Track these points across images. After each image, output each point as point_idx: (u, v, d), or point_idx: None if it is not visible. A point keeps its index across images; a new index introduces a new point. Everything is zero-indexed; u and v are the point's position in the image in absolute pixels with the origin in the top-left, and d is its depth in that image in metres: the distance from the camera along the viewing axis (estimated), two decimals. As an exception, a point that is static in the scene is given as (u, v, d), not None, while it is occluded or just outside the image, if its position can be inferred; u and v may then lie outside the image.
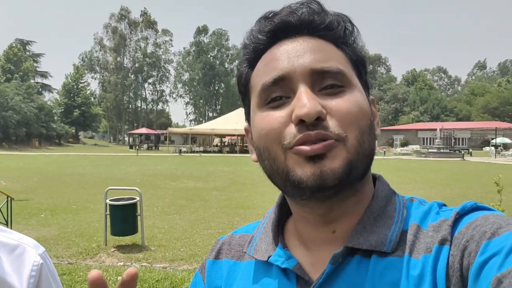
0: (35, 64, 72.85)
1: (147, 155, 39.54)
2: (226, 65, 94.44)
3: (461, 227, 0.58)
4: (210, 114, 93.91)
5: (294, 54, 0.62)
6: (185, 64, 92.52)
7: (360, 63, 0.67)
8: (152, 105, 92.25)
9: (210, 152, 46.89)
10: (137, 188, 7.12)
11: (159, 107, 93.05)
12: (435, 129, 46.63)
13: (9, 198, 8.61)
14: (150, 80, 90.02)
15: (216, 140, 55.89)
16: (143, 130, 61.03)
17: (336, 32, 0.65)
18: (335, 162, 0.58)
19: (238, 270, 0.72)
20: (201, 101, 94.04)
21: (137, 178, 17.55)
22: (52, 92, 77.65)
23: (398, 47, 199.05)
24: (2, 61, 64.18)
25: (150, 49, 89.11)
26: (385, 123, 78.22)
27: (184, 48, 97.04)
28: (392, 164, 27.78)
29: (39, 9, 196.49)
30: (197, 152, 44.38)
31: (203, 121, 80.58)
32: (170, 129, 52.72)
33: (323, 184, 0.57)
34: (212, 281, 0.75)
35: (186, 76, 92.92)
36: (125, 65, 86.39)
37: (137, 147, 52.95)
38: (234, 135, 49.91)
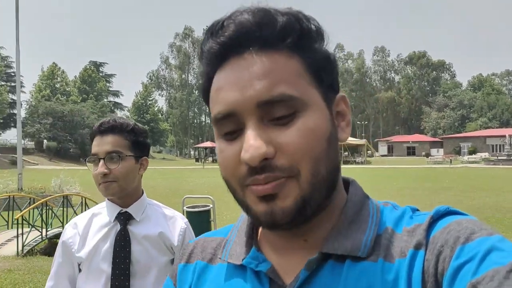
0: (107, 84, 77.35)
1: (213, 168, 41.04)
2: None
3: (435, 231, 0.58)
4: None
5: (240, 84, 0.58)
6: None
7: (322, 65, 0.63)
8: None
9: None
10: (210, 196, 8.00)
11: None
12: (505, 136, 44.85)
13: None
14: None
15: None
16: (208, 144, 62.91)
17: (288, 40, 0.60)
18: (286, 201, 0.57)
19: (209, 273, 0.72)
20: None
21: (205, 189, 18.62)
22: (124, 110, 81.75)
23: (462, 52, 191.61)
24: (78, 83, 68.94)
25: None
26: (451, 130, 75.62)
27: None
28: (457, 173, 27.24)
29: (110, 33, 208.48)
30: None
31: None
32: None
33: (275, 222, 0.58)
34: (183, 285, 0.74)
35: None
36: (189, 81, 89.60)
37: (202, 160, 54.85)
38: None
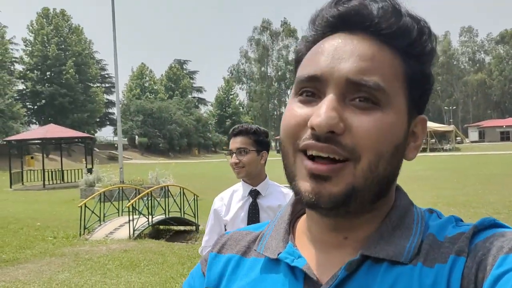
0: (191, 81, 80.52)
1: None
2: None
3: (478, 240, 0.57)
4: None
5: (338, 55, 0.58)
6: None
7: (418, 81, 0.62)
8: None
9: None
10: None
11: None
12: None
13: (196, 196, 10.84)
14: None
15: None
16: (289, 135, 63.52)
17: (400, 41, 0.59)
18: (336, 187, 0.56)
19: (243, 265, 0.71)
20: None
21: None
22: (207, 105, 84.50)
23: None
24: (164, 80, 72.61)
25: (291, 56, 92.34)
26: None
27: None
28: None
29: (192, 31, 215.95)
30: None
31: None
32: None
33: (317, 204, 0.57)
34: (212, 274, 0.74)
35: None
36: (269, 74, 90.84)
37: (284, 151, 55.56)
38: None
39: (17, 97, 45.42)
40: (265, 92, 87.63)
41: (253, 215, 2.49)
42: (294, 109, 0.60)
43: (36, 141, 28.40)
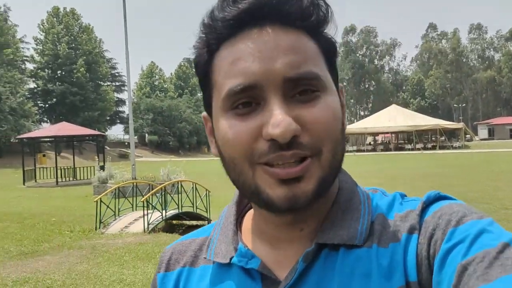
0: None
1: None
2: (376, 62, 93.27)
3: (427, 216, 0.58)
4: (362, 113, 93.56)
5: (264, 55, 0.54)
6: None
7: (331, 50, 0.61)
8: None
9: (364, 151, 47.44)
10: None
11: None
12: None
13: (207, 191, 11.06)
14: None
15: (369, 139, 56.02)
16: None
17: (311, 20, 0.57)
18: (309, 184, 0.55)
19: (194, 276, 0.68)
20: (352, 100, 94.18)
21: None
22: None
23: None
24: (174, 79, 73.00)
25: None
26: None
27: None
28: None
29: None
30: (351, 151, 45.31)
31: (355, 120, 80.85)
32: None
33: (294, 206, 0.56)
34: None
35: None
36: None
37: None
38: (387, 132, 49.65)
39: (29, 96, 45.96)
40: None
41: None
42: (235, 125, 0.56)
43: (49, 139, 28.75)
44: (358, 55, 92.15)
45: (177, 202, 10.70)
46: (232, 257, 0.63)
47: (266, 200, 0.57)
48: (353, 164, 25.70)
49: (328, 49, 0.61)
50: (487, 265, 0.47)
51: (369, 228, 0.60)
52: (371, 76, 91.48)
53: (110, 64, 60.11)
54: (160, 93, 65.73)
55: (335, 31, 0.61)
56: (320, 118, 0.55)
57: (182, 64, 75.72)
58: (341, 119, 0.60)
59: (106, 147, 30.02)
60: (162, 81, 70.88)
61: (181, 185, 11.62)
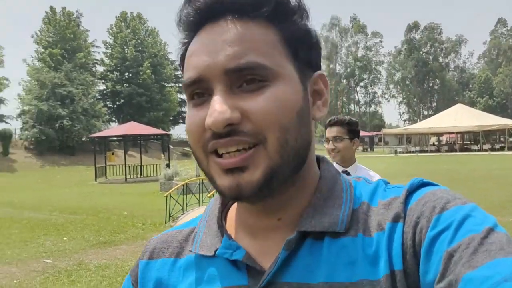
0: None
1: (363, 157, 41.27)
2: (441, 60, 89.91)
3: (411, 204, 0.58)
4: (425, 112, 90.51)
5: (209, 50, 0.57)
6: (396, 64, 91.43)
7: (299, 39, 0.61)
8: (365, 107, 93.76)
9: (427, 151, 46.06)
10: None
11: (372, 109, 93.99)
12: None
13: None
14: (362, 83, 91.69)
15: (433, 139, 54.27)
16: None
17: (264, 9, 0.58)
18: (255, 174, 0.56)
19: (179, 268, 0.68)
20: (415, 99, 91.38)
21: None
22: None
23: None
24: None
25: (360, 53, 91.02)
26: None
27: (395, 47, 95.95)
28: None
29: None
30: (413, 152, 44.18)
31: (418, 120, 78.38)
32: (384, 130, 53.54)
33: (240, 195, 0.57)
34: (146, 283, 0.70)
35: (398, 75, 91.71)
36: (337, 71, 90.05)
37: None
38: (452, 132, 47.87)
39: (99, 97, 48.40)
40: (333, 89, 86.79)
41: None
42: (191, 115, 0.60)
43: (118, 138, 30.26)
44: (421, 52, 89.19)
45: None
46: (217, 249, 0.64)
47: (217, 189, 0.59)
48: (415, 164, 25.18)
49: (291, 37, 0.60)
50: (473, 251, 0.48)
51: (352, 215, 0.61)
52: (435, 74, 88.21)
53: (174, 65, 62.01)
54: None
55: (305, 18, 0.62)
56: (264, 107, 0.56)
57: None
58: (297, 107, 0.59)
59: (170, 145, 31.16)
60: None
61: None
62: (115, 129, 33.73)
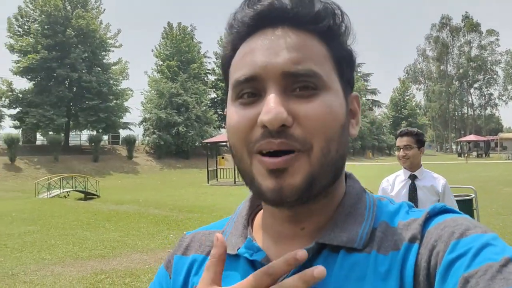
0: (365, 83, 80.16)
1: (477, 163, 38.98)
2: None
3: (430, 227, 0.58)
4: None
5: (269, 51, 0.58)
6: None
7: (344, 59, 0.64)
8: (479, 110, 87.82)
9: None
10: (472, 187, 8.75)
11: (487, 112, 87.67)
12: None
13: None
14: (476, 85, 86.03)
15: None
16: (471, 137, 59.07)
17: (321, 25, 0.60)
18: (296, 178, 0.56)
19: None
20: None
21: (467, 183, 18.60)
22: (381, 107, 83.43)
23: None
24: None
25: (474, 52, 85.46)
26: None
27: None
28: None
29: (365, 32, 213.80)
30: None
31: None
32: (501, 134, 49.98)
33: (282, 199, 0.57)
34: (178, 277, 0.73)
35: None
36: (448, 72, 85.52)
37: (465, 155, 52.11)
38: None
39: (210, 105, 51.11)
40: (444, 91, 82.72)
41: (412, 192, 3.63)
42: (238, 113, 0.60)
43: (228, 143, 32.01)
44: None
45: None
46: (239, 248, 0.66)
47: (258, 190, 0.59)
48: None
49: (339, 56, 0.63)
50: (490, 278, 0.47)
51: (371, 233, 0.61)
52: None
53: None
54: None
55: (352, 41, 0.65)
56: (314, 114, 0.57)
57: (347, 69, 75.99)
58: (341, 119, 0.60)
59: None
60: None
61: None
62: (225, 135, 35.37)
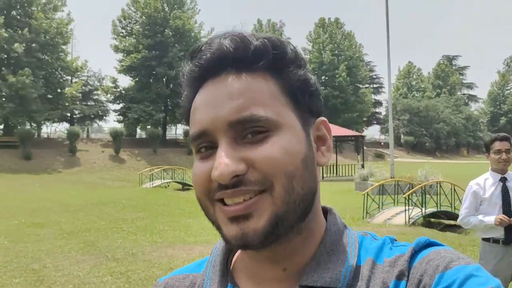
0: (461, 77, 76.37)
1: None
2: None
3: (415, 262, 0.58)
4: None
5: (212, 104, 0.59)
6: None
7: (299, 89, 0.62)
8: None
9: None
10: None
11: None
12: None
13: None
14: None
15: None
16: None
17: (263, 62, 0.60)
18: (260, 222, 0.56)
19: None
20: None
21: None
22: (478, 102, 78.97)
23: None
24: (432, 78, 71.00)
25: None
26: None
27: None
28: None
29: (462, 25, 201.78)
30: None
31: None
32: None
33: (245, 244, 0.57)
34: None
35: None
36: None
37: None
38: None
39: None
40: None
41: (505, 194, 3.90)
42: (198, 167, 0.61)
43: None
44: None
45: (435, 201, 11.57)
46: None
47: (224, 237, 0.59)
48: None
49: (291, 87, 0.62)
50: None
51: (355, 271, 0.60)
52: None
53: (368, 67, 62.55)
54: (417, 93, 65.05)
55: (303, 67, 0.64)
56: (268, 155, 0.56)
57: (441, 62, 72.95)
58: (301, 155, 0.60)
59: (364, 147, 32.05)
60: (419, 80, 69.77)
61: (440, 186, 12.39)
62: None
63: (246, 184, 0.56)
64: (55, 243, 8.79)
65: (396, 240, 0.66)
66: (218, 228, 0.60)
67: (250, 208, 0.56)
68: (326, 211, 0.69)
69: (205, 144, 0.60)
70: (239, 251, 0.70)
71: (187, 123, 0.66)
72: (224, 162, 0.56)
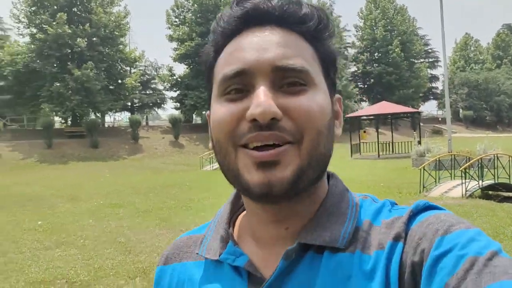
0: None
1: None
2: None
3: (414, 225, 0.58)
4: None
5: (259, 47, 0.59)
6: None
7: (329, 60, 0.65)
8: None
9: None
10: None
11: None
12: None
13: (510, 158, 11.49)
14: None
15: None
16: None
17: (308, 26, 0.62)
18: (286, 172, 0.56)
19: (187, 271, 0.71)
20: None
21: None
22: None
23: None
24: (491, 49, 67.67)
25: None
26: None
27: None
28: None
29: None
30: None
31: None
32: None
33: (269, 193, 0.56)
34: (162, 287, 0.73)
35: None
36: None
37: None
38: None
39: (350, 78, 51.12)
40: None
41: None
42: (225, 108, 0.60)
43: (370, 117, 32.22)
44: None
45: (493, 174, 11.62)
46: (221, 253, 0.66)
47: (244, 185, 0.59)
48: None
49: (325, 57, 0.64)
50: (477, 272, 0.48)
51: (353, 233, 0.61)
52: None
53: (423, 41, 60.55)
54: (475, 66, 62.42)
55: (336, 44, 0.94)
56: (304, 107, 0.58)
57: (501, 31, 69.33)
58: (329, 115, 0.61)
59: (420, 123, 31.52)
60: (478, 52, 66.71)
61: (498, 159, 12.35)
62: (367, 109, 35.70)
63: (279, 129, 0.57)
64: (133, 220, 9.78)
65: (396, 204, 0.67)
66: (236, 177, 0.60)
67: (280, 156, 0.57)
68: (329, 176, 0.71)
69: (237, 86, 0.60)
70: (242, 213, 0.74)
71: (208, 70, 0.67)
72: (267, 101, 0.55)
